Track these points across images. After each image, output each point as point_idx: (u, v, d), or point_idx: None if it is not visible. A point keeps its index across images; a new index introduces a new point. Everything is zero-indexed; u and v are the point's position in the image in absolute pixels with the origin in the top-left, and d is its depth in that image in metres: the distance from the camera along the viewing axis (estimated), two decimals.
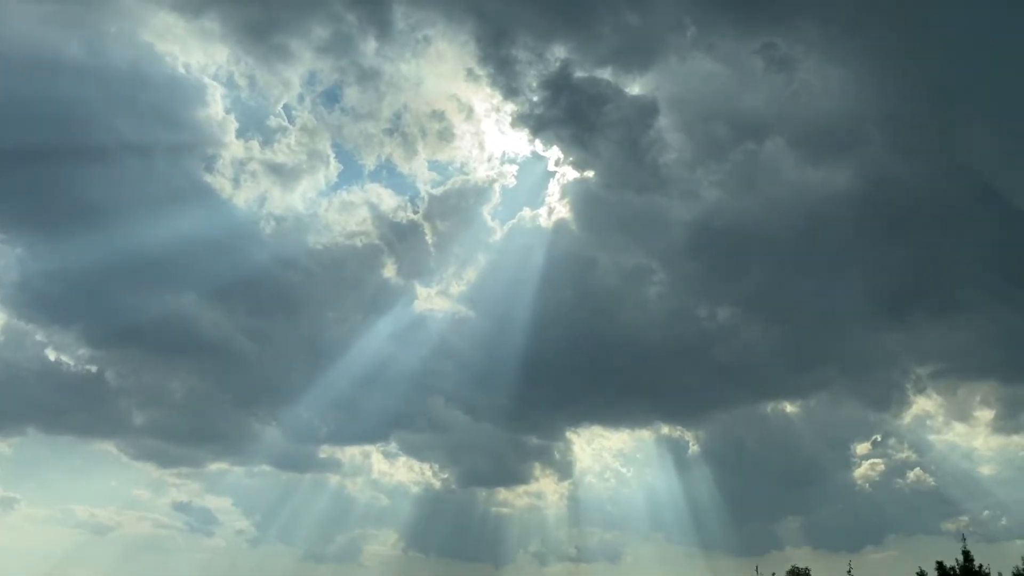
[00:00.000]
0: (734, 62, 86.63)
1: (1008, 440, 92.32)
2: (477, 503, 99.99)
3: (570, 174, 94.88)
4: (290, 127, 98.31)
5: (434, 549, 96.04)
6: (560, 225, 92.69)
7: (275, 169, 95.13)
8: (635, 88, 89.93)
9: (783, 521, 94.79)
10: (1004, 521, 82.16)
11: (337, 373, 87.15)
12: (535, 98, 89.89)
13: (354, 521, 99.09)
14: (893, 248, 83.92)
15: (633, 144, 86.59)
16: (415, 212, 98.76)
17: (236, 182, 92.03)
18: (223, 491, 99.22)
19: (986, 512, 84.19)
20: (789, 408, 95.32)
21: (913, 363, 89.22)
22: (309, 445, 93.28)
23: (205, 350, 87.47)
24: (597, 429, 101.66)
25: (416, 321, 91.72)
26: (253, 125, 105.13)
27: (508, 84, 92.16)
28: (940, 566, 34.67)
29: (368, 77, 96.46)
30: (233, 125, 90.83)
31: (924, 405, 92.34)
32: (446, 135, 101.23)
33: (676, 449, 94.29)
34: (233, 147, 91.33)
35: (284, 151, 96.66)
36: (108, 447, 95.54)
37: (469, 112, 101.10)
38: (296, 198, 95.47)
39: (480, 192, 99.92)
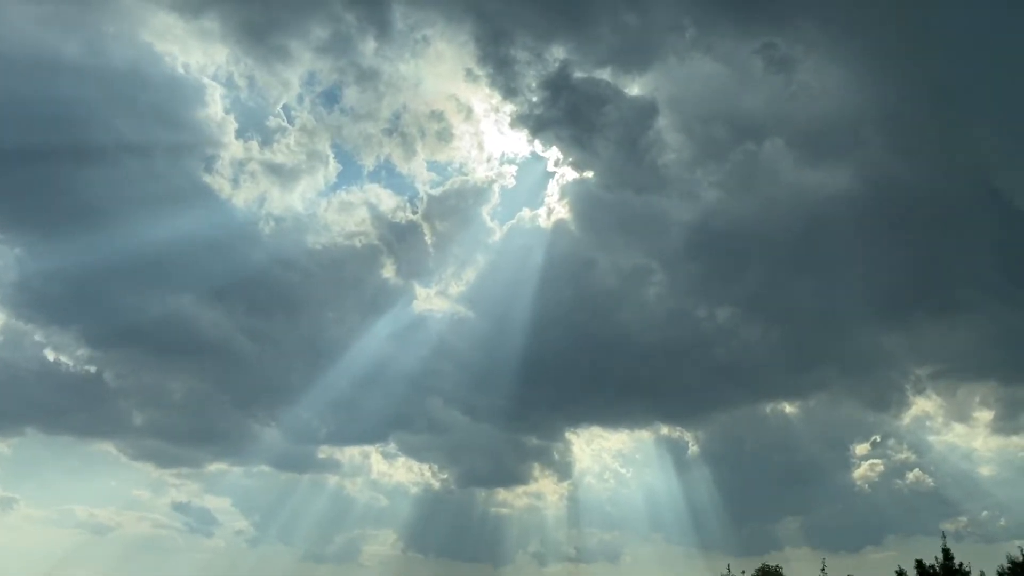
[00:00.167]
0: (733, 62, 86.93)
1: (1007, 441, 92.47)
2: (476, 503, 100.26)
3: (569, 174, 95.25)
4: (289, 127, 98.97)
5: (433, 549, 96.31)
6: (559, 225, 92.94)
7: (274, 169, 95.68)
8: (634, 89, 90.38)
9: (782, 522, 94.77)
10: (1003, 522, 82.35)
11: (336, 373, 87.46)
12: (534, 98, 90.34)
13: (353, 521, 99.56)
14: (893, 248, 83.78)
15: (632, 145, 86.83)
16: (414, 212, 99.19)
17: (235, 182, 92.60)
18: (222, 491, 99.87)
19: (985, 513, 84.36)
20: (788, 408, 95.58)
21: (912, 364, 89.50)
22: (308, 445, 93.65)
23: (204, 350, 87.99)
24: (596, 429, 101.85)
25: (415, 321, 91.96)
26: (252, 125, 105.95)
27: (507, 84, 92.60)
28: (919, 564, 34.44)
29: (367, 77, 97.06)
30: (232, 125, 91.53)
31: (923, 406, 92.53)
32: (445, 135, 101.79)
33: (675, 450, 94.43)
34: (232, 147, 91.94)
35: (283, 151, 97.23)
36: (107, 447, 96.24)
37: (468, 112, 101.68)
38: (295, 198, 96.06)
39: (479, 192, 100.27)
